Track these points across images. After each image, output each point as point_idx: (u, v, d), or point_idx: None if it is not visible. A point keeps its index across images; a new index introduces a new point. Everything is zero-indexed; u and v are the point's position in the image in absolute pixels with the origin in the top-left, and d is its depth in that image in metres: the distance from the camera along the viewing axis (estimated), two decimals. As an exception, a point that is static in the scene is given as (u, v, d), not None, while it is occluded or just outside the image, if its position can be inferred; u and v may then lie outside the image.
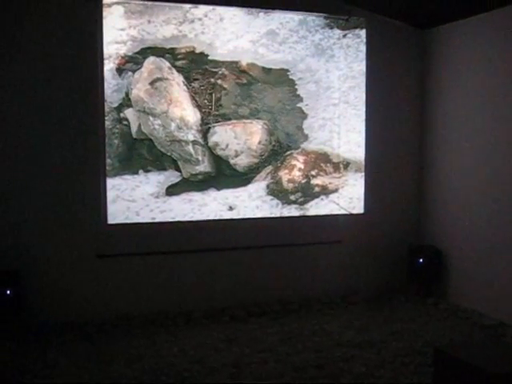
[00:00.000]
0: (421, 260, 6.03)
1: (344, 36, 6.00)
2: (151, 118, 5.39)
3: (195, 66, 5.48)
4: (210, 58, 5.51)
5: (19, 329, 4.89)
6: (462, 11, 5.57)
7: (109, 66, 5.21)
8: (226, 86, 5.59)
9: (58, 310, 5.18)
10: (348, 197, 6.16)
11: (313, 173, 6.01)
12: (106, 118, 5.23)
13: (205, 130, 5.58)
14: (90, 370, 4.26)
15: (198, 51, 5.47)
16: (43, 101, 5.06)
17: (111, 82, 5.24)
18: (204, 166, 5.60)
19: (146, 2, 5.26)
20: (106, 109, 5.23)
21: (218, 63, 5.55)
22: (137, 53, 5.30)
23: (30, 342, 4.78)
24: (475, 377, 3.30)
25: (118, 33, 5.22)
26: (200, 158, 5.58)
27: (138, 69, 5.32)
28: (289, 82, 5.86)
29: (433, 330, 5.13)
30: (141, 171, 5.39)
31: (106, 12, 5.15)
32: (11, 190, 5.03)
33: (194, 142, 5.54)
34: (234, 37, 5.60)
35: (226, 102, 5.62)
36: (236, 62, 5.62)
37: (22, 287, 4.93)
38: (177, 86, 5.45)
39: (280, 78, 5.82)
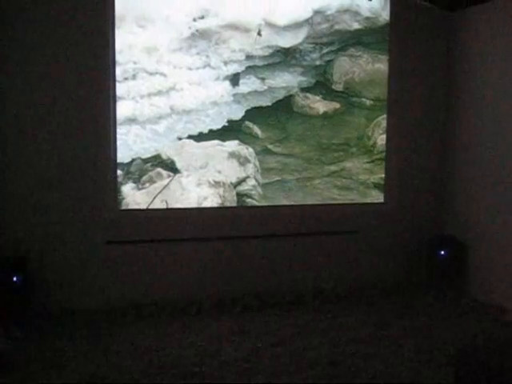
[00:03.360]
0: (442, 252, 5.80)
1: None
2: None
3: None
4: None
5: (26, 316, 4.76)
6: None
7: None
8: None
9: (67, 297, 5.05)
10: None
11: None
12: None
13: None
14: (98, 360, 4.12)
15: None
16: (57, 81, 4.91)
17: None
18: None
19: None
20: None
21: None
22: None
23: (37, 329, 4.66)
24: (501, 380, 3.10)
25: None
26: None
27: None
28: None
29: (454, 327, 4.91)
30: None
31: None
32: (19, 175, 4.89)
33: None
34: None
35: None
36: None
37: (29, 274, 4.81)
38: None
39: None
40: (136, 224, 5.21)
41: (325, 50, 5.61)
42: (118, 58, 5.01)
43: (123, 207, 5.18)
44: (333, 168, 5.77)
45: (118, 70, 5.02)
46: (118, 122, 5.08)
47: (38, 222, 4.95)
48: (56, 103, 4.92)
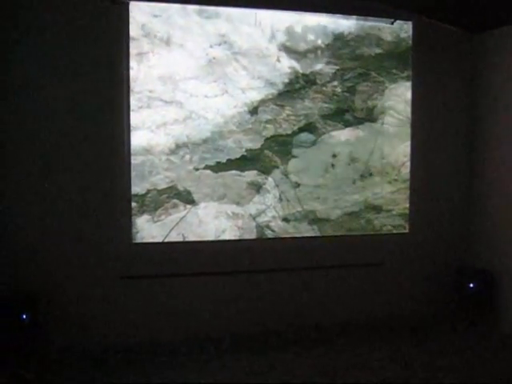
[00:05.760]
0: (471, 285, 5.53)
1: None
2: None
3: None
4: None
5: (35, 356, 4.55)
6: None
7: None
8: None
9: (78, 335, 4.84)
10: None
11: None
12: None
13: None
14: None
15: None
16: (69, 111, 4.75)
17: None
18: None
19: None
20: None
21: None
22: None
23: (47, 370, 4.42)
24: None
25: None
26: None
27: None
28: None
29: (486, 365, 4.62)
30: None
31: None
32: (29, 207, 4.71)
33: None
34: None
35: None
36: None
37: (39, 311, 4.61)
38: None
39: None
40: (151, 258, 5.01)
41: (346, 76, 5.43)
42: (133, 86, 4.86)
43: (138, 241, 4.99)
44: (356, 197, 5.55)
45: (133, 99, 4.87)
46: (132, 152, 4.91)
47: (48, 257, 4.76)
48: (68, 134, 4.76)
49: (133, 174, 4.92)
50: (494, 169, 5.59)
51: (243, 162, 5.18)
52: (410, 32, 5.63)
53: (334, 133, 5.45)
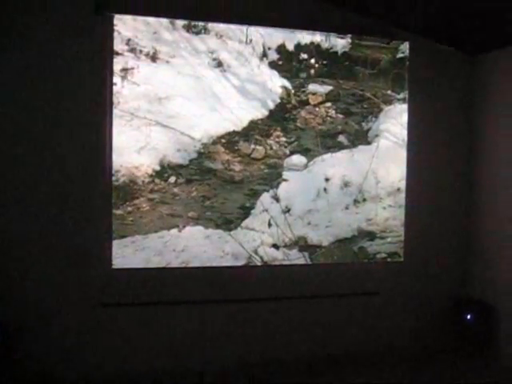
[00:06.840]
0: (469, 316, 5.36)
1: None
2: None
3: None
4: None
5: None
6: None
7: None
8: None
9: (55, 365, 4.60)
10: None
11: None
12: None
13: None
14: None
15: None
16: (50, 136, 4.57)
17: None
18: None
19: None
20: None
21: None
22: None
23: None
24: None
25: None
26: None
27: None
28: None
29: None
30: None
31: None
32: (5, 232, 4.49)
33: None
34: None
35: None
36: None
37: (12, 340, 4.38)
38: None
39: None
40: (132, 284, 4.77)
41: (340, 97, 5.25)
42: (116, 103, 4.64)
43: (118, 266, 4.73)
44: (349, 224, 5.34)
45: (116, 117, 4.65)
46: (114, 173, 4.68)
47: (24, 283, 4.53)
48: (47, 153, 4.56)
49: (114, 195, 4.68)
50: (493, 196, 5.41)
51: (231, 185, 4.96)
52: (407, 52, 5.46)
53: (327, 156, 5.24)
